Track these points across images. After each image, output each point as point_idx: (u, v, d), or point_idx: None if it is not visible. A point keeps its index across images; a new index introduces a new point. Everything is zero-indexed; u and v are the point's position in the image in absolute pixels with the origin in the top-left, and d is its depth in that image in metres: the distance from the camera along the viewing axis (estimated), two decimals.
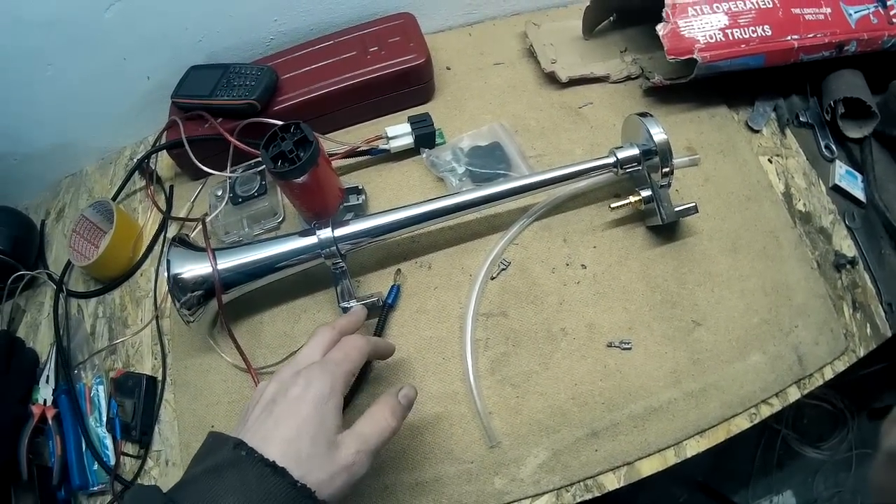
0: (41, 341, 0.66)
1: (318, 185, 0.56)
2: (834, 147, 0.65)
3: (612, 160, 0.57)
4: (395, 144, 0.64)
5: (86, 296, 0.67)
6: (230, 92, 0.64)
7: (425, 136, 0.64)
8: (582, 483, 0.50)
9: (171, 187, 0.73)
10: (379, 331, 0.56)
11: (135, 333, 0.62)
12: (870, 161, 0.63)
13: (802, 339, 0.55)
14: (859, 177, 0.63)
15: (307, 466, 0.33)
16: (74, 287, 0.68)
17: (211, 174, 0.64)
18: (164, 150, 0.69)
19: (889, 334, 0.57)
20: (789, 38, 0.62)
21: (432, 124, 0.64)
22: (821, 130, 0.66)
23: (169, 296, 0.63)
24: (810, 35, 0.62)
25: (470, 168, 0.62)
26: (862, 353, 0.56)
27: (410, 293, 0.58)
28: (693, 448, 0.51)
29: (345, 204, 0.62)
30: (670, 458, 0.51)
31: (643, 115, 0.56)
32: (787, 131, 0.66)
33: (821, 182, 0.64)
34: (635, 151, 0.56)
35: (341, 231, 0.55)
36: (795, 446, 1.21)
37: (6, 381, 0.59)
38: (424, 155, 0.64)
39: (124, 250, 0.67)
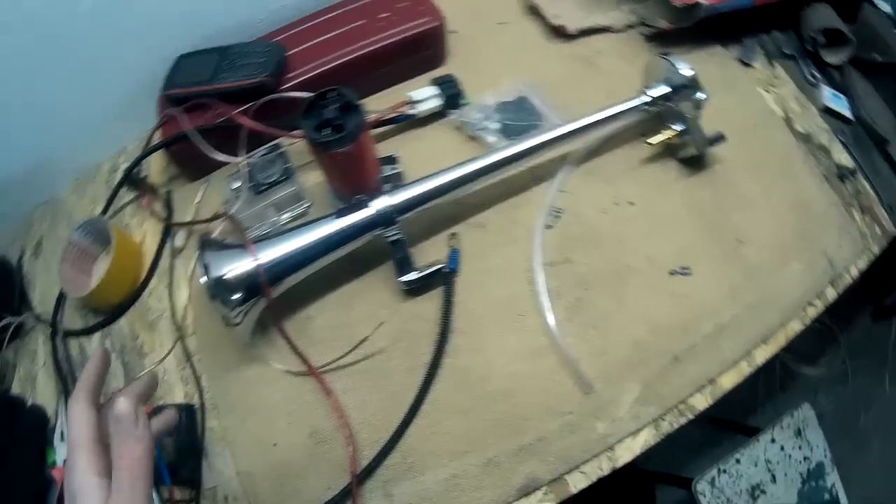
0: (43, 394, 0.57)
1: (362, 154, 0.54)
2: (817, 74, 0.71)
3: (647, 99, 0.59)
4: (422, 108, 0.63)
5: (87, 332, 0.59)
6: (237, 73, 0.60)
7: (453, 97, 0.63)
8: (675, 409, 0.51)
9: (169, 192, 0.66)
10: (446, 299, 0.54)
11: (158, 362, 0.55)
12: (851, 83, 0.69)
13: (827, 244, 0.60)
14: (843, 97, 0.69)
15: None
16: (70, 325, 0.60)
17: (226, 163, 0.59)
18: (151, 156, 0.63)
19: (895, 231, 0.64)
20: None
21: (458, 85, 0.63)
22: (803, 60, 0.72)
23: (189, 311, 0.58)
24: None
25: (505, 122, 0.61)
26: (877, 250, 0.62)
27: (470, 255, 0.57)
28: (762, 356, 0.54)
29: (381, 175, 0.59)
30: (745, 369, 0.54)
31: (665, 54, 0.59)
32: (776, 63, 0.72)
33: (811, 105, 0.69)
34: (667, 89, 0.59)
35: (397, 199, 0.52)
36: (793, 366, 1.30)
37: (15, 454, 0.50)
38: (454, 116, 0.63)
39: (127, 272, 0.60)
